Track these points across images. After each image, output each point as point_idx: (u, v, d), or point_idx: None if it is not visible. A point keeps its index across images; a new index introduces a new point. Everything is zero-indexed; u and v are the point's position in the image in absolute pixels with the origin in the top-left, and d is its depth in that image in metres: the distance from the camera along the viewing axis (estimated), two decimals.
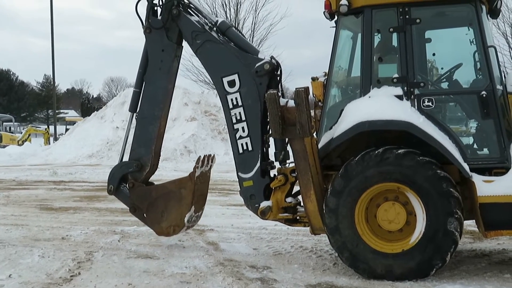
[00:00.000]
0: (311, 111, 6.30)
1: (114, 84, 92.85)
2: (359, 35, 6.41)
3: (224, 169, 19.13)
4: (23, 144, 41.13)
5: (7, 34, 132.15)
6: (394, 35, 6.33)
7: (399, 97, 6.09)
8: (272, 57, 6.94)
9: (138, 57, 7.38)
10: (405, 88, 6.12)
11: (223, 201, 12.36)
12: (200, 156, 7.12)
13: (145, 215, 7.35)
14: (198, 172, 7.05)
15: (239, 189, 6.98)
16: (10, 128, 50.88)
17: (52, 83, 50.16)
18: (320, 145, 6.41)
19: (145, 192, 7.28)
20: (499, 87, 6.08)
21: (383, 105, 6.02)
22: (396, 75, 6.17)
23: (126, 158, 7.54)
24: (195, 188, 7.01)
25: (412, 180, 5.78)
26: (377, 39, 6.39)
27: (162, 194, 7.17)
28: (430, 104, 6.07)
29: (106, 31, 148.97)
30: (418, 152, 5.83)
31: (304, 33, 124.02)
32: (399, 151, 5.83)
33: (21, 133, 46.53)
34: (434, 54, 6.65)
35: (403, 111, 5.97)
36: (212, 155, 7.38)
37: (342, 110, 6.30)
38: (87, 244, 7.94)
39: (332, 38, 6.51)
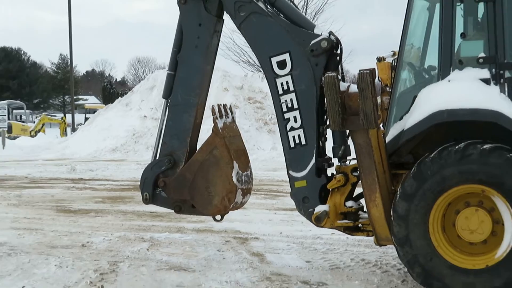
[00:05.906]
0: (377, 97, 6.26)
1: (141, 66, 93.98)
2: (437, 5, 6.33)
3: (272, 167, 19.19)
4: (36, 135, 42.29)
5: (7, 8, 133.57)
6: (481, 5, 6.24)
7: (486, 81, 5.99)
8: (330, 33, 6.88)
9: (171, 33, 7.48)
10: (494, 70, 6.02)
11: (270, 205, 12.43)
12: (213, 106, 7.08)
13: (192, 205, 7.36)
14: (220, 123, 7.08)
15: (290, 190, 7.00)
16: (21, 116, 52.09)
17: (69, 64, 51.09)
18: (388, 139, 6.38)
19: (179, 180, 7.31)
20: None
21: (466, 90, 5.93)
22: (482, 54, 6.08)
23: None
24: (226, 142, 7.05)
25: (500, 182, 5.69)
26: (459, 10, 6.30)
27: (197, 170, 7.20)
28: None
29: (123, 1, 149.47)
30: (508, 148, 5.73)
31: (360, 2, 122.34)
32: (484, 147, 5.74)
33: (34, 122, 47.60)
34: None
35: (491, 98, 5.87)
36: (229, 105, 7.40)
37: (416, 96, 6.24)
38: (111, 253, 8.13)
39: (403, 9, 6.45)
